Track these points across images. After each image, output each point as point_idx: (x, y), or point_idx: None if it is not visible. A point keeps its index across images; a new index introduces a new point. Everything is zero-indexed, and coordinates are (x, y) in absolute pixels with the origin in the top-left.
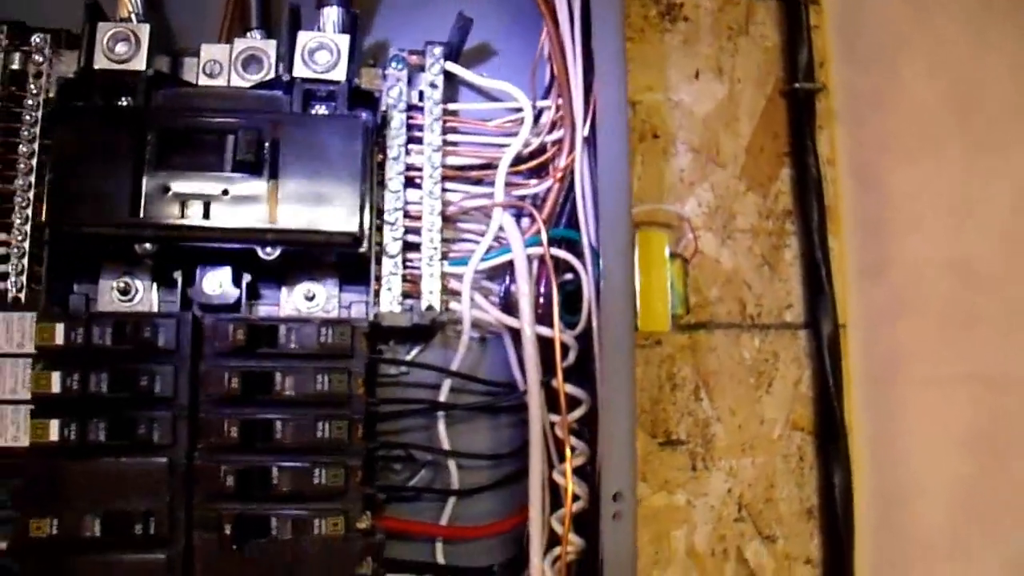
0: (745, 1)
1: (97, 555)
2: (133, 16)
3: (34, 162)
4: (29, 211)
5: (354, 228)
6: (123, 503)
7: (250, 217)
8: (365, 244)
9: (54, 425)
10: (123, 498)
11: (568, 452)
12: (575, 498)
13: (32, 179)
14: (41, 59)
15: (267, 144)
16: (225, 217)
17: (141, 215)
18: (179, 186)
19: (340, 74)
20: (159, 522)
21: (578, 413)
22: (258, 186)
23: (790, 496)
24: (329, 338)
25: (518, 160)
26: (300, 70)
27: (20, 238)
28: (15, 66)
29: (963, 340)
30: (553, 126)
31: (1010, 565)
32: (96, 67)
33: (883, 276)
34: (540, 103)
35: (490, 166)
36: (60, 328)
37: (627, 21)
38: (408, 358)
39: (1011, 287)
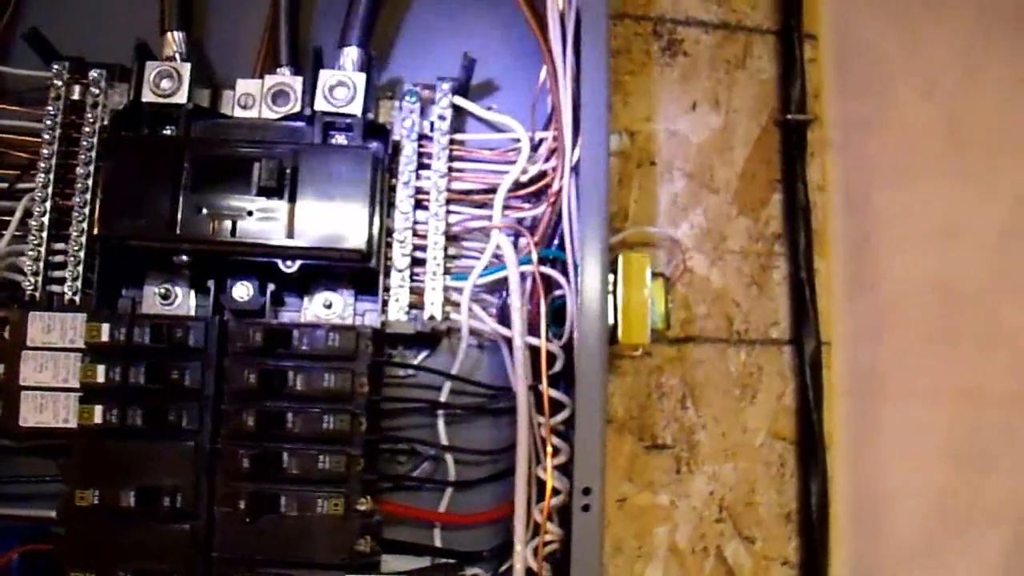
0: (744, 37)
1: (131, 523)
2: (177, 55)
3: (90, 182)
4: (84, 225)
5: (362, 245)
6: (154, 480)
7: (271, 234)
8: (374, 260)
9: (98, 410)
10: (154, 475)
11: (549, 451)
12: (555, 492)
13: (88, 197)
14: (97, 91)
15: (287, 171)
16: (250, 234)
17: (177, 231)
18: (210, 206)
19: (356, 108)
20: (185, 497)
21: (562, 416)
22: (279, 207)
23: (770, 501)
24: (336, 342)
25: (517, 186)
26: (321, 104)
27: (76, 248)
28: (75, 97)
29: (943, 357)
30: (551, 155)
31: (983, 574)
32: (144, 100)
33: (868, 295)
34: (540, 134)
35: (491, 191)
36: (106, 328)
37: (628, 56)
38: (415, 362)
39: (991, 307)
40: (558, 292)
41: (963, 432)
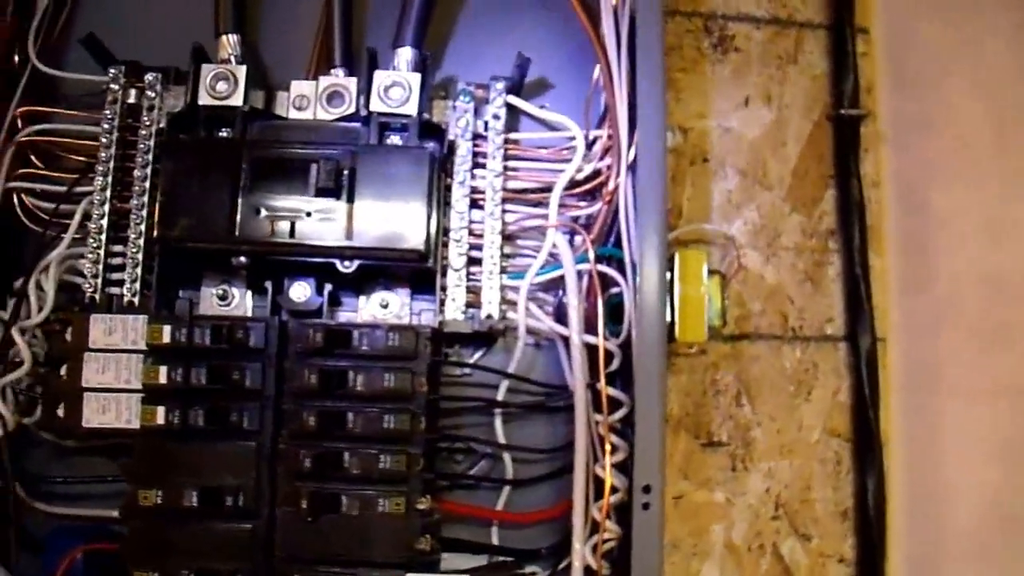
0: (795, 32)
1: (194, 523)
2: (232, 57)
3: (147, 184)
4: (143, 227)
5: (420, 246)
6: (217, 479)
7: (330, 235)
8: (431, 259)
9: (160, 411)
10: (217, 475)
11: (608, 448)
12: (614, 490)
13: (145, 199)
14: (153, 95)
15: (345, 172)
16: (308, 235)
17: (236, 232)
18: (269, 208)
19: (412, 108)
20: (246, 496)
21: (620, 414)
22: (337, 208)
23: (826, 498)
24: (396, 341)
25: (572, 184)
26: (376, 105)
27: (134, 250)
28: (131, 100)
29: (997, 354)
30: (605, 153)
31: None
32: (200, 103)
33: (923, 292)
34: (594, 132)
35: (546, 189)
36: (167, 329)
37: (680, 53)
38: (471, 361)
39: None
40: (614, 290)
41: (1019, 431)
